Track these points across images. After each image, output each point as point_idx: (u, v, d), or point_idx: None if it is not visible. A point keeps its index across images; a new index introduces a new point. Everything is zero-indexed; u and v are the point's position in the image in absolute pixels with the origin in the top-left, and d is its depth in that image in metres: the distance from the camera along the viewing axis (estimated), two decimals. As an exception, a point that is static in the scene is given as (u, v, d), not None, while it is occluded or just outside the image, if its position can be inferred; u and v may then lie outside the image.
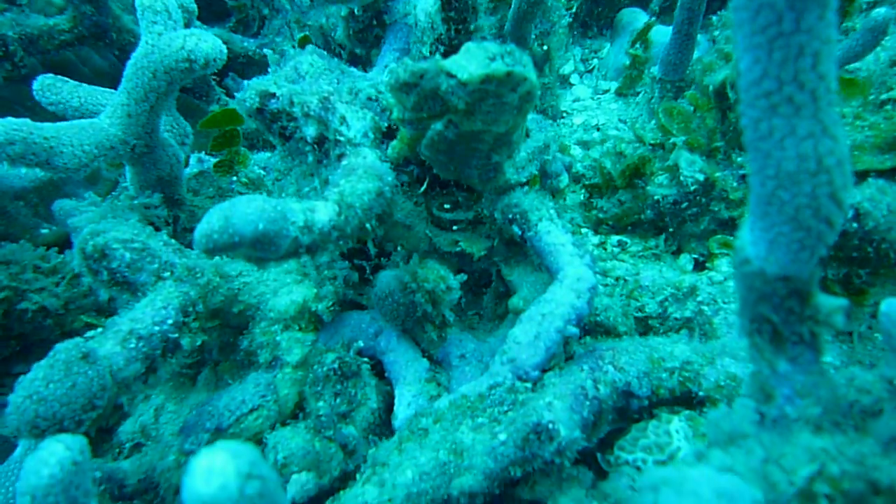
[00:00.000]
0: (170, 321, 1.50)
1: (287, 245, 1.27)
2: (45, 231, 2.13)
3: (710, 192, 1.83)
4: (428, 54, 1.64)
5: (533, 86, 1.29)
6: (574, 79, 3.07)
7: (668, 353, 1.52)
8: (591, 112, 2.82)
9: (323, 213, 1.35)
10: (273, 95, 1.60)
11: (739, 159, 1.85)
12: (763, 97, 0.77)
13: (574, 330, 1.50)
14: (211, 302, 1.61)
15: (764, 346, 0.89)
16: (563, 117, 2.80)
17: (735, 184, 1.82)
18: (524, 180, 1.84)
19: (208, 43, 1.59)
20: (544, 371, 1.51)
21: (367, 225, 1.42)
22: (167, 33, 1.61)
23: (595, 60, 3.14)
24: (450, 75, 1.20)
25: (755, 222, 0.85)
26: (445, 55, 1.68)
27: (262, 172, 2.29)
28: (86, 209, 1.69)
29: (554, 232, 1.65)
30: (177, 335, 1.48)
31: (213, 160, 2.34)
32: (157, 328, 1.46)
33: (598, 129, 2.71)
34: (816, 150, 0.75)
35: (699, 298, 1.77)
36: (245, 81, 2.47)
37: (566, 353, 1.57)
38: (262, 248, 1.23)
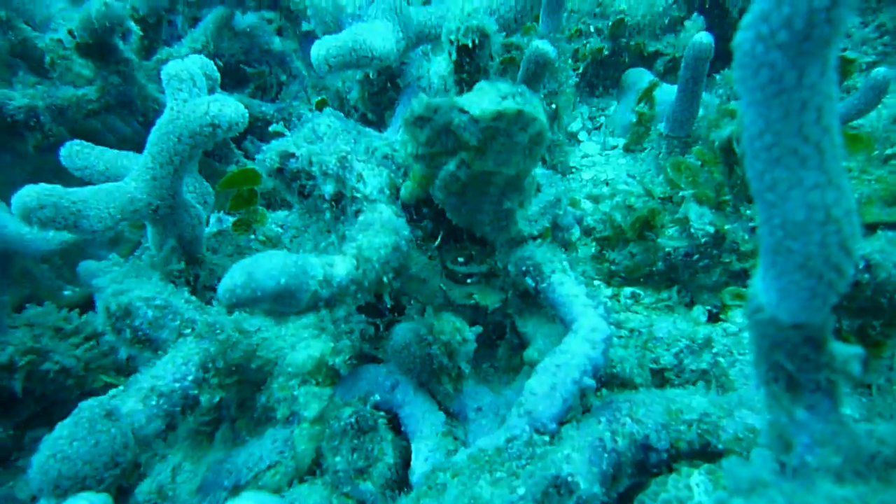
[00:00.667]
0: (190, 377, 1.52)
1: (307, 299, 1.30)
2: (68, 293, 2.18)
3: (720, 244, 1.86)
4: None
5: (542, 127, 1.33)
6: (582, 136, 3.14)
7: (686, 405, 1.51)
8: (600, 167, 2.88)
9: (341, 267, 1.38)
10: (292, 155, 1.66)
11: (748, 212, 1.88)
12: (765, 150, 0.80)
13: (590, 381, 1.50)
14: (230, 358, 1.63)
15: (781, 395, 0.90)
16: (572, 172, 2.85)
17: (745, 236, 1.84)
18: (536, 233, 1.87)
19: (231, 108, 1.67)
20: (561, 423, 1.51)
21: (384, 278, 1.46)
22: (192, 99, 1.68)
23: (602, 118, 3.22)
24: (462, 111, 1.25)
25: (766, 270, 0.87)
26: (458, 115, 1.74)
27: (280, 230, 2.34)
28: (109, 269, 1.73)
29: (567, 283, 1.67)
30: (196, 392, 1.50)
31: (232, 219, 2.40)
32: (177, 385, 1.48)
33: (608, 184, 2.76)
34: (824, 199, 0.77)
35: (714, 350, 1.77)
36: (263, 145, 2.55)
37: (583, 406, 1.57)
38: (283, 302, 1.26)
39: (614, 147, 3.02)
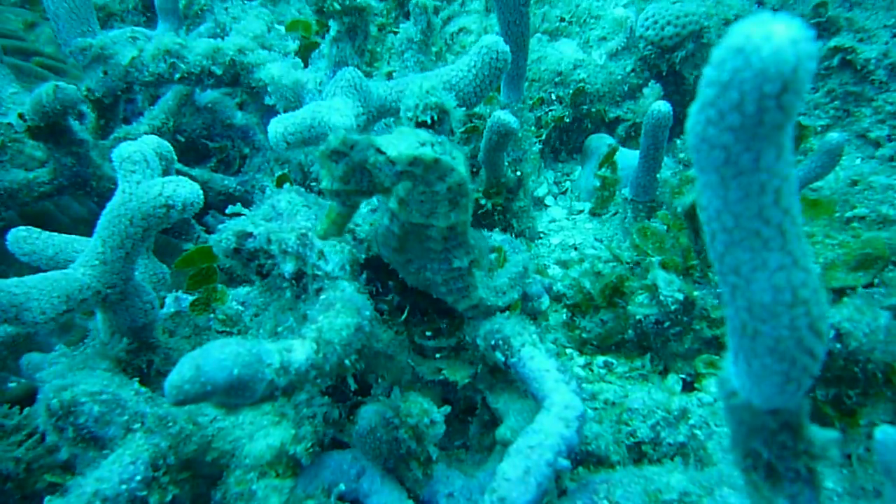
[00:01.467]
0: (138, 478, 1.41)
1: (262, 389, 1.23)
2: (12, 384, 2.06)
3: (690, 310, 1.83)
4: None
5: (461, 178, 1.31)
6: (549, 200, 3.15)
7: (665, 485, 1.45)
8: (568, 232, 2.88)
9: (300, 352, 1.32)
10: (250, 235, 1.61)
11: (717, 278, 1.86)
12: (725, 232, 0.77)
13: (565, 463, 1.43)
14: (183, 452, 1.53)
15: (760, 484, 0.84)
16: (540, 238, 2.84)
17: (715, 301, 1.82)
18: (502, 305, 1.83)
19: (186, 188, 1.62)
20: (537, 510, 1.43)
21: (346, 361, 1.39)
22: (145, 181, 1.63)
23: (567, 183, 3.24)
24: (379, 151, 1.23)
25: (737, 354, 0.83)
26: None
27: (241, 308, 2.26)
28: (56, 361, 1.64)
29: (537, 357, 1.62)
30: (145, 493, 1.39)
31: (190, 298, 2.32)
32: (123, 487, 1.38)
33: (576, 249, 2.74)
34: (790, 281, 0.74)
35: (691, 422, 1.72)
36: (224, 220, 2.49)
37: (558, 488, 1.50)
38: (236, 394, 1.19)
39: (580, 211, 3.03)
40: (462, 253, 1.55)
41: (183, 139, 3.18)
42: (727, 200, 0.75)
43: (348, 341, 1.39)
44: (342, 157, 1.23)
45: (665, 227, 2.19)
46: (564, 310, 2.34)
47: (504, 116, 2.20)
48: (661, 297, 1.83)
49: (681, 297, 1.82)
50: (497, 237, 2.20)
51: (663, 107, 2.29)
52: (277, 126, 1.81)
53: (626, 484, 1.46)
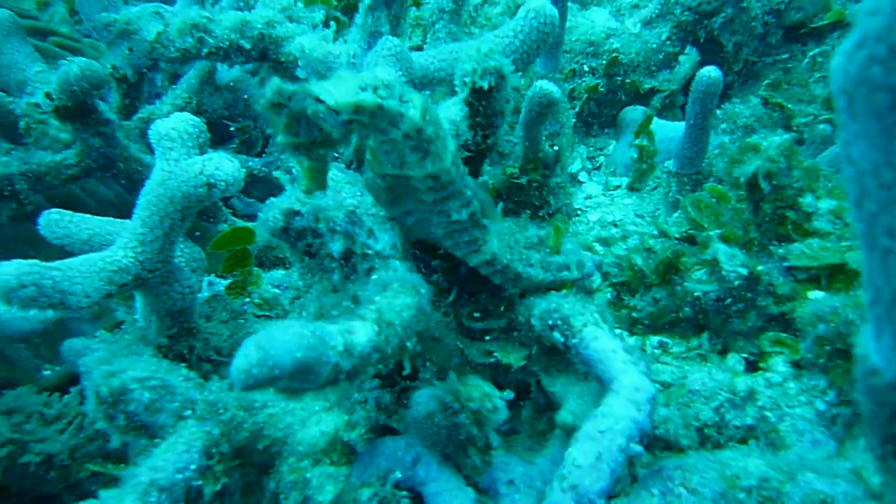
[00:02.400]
0: (192, 466, 1.35)
1: (327, 373, 1.15)
2: (47, 372, 1.99)
3: (755, 286, 1.75)
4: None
5: (414, 123, 1.20)
6: (583, 176, 3.06)
7: (742, 470, 1.37)
8: (606, 208, 2.79)
9: (362, 333, 1.24)
10: (297, 213, 1.53)
11: (780, 251, 1.77)
12: (883, 189, 0.69)
13: (639, 448, 1.36)
14: (235, 440, 1.46)
15: (909, 472, 0.76)
16: (577, 215, 2.75)
17: (781, 277, 1.73)
18: (552, 278, 1.75)
19: (228, 166, 1.54)
20: (610, 497, 1.36)
21: (408, 343, 1.32)
22: (183, 160, 1.55)
23: (601, 158, 3.14)
24: (318, 100, 1.12)
25: (881, 327, 0.75)
26: (471, 160, 1.63)
27: (277, 291, 2.19)
28: (97, 347, 1.57)
29: (602, 338, 1.54)
30: (201, 482, 1.33)
31: (224, 282, 2.25)
32: (179, 476, 1.31)
33: (616, 226, 2.66)
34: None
35: (759, 403, 1.64)
36: (252, 201, 2.39)
37: (630, 475, 1.43)
38: (302, 378, 1.12)
39: (617, 187, 2.94)
40: (457, 205, 1.43)
41: (204, 119, 3.09)
42: (889, 152, 0.66)
43: (409, 322, 1.32)
44: (282, 110, 1.13)
45: (714, 199, 2.09)
46: (609, 289, 2.26)
47: (547, 86, 2.10)
48: (724, 273, 1.75)
49: (745, 271, 1.73)
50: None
51: (713, 72, 2.19)
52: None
53: (702, 470, 1.38)
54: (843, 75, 0.67)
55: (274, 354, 1.04)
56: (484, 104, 1.46)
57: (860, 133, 0.68)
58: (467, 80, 1.41)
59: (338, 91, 1.15)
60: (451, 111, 1.57)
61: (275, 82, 1.13)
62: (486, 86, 1.40)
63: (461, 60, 1.41)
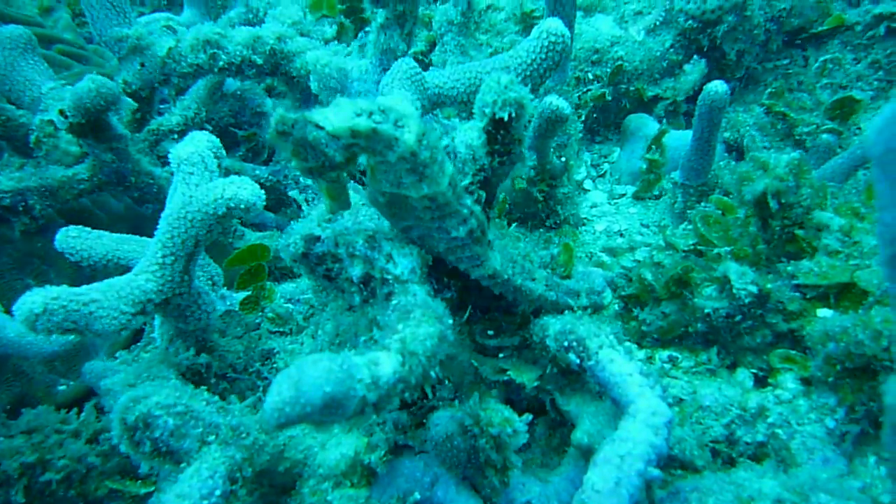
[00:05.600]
0: (217, 492, 1.37)
1: (354, 406, 1.17)
2: (62, 387, 2.01)
3: (764, 303, 1.77)
4: (469, 185, 1.60)
5: (408, 147, 1.24)
6: (587, 184, 3.08)
7: (757, 491, 1.41)
8: (611, 217, 2.81)
9: (387, 365, 1.26)
10: (318, 239, 1.55)
11: (789, 268, 1.80)
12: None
13: (656, 472, 1.39)
14: (257, 463, 1.49)
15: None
16: (583, 224, 2.77)
17: (790, 294, 1.76)
18: (554, 298, 1.78)
19: (247, 190, 1.56)
20: (629, 520, 1.39)
21: (432, 373, 1.34)
22: (204, 184, 1.57)
23: (605, 165, 3.16)
24: (318, 126, 1.18)
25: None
26: (486, 182, 1.65)
27: (290, 307, 2.21)
28: (118, 369, 1.58)
29: (617, 360, 1.57)
30: (226, 508, 1.35)
31: (237, 296, 2.27)
32: (205, 503, 1.33)
33: (622, 235, 2.68)
34: None
35: (770, 420, 1.67)
36: (267, 213, 2.40)
37: (648, 499, 1.45)
38: (331, 412, 1.14)
39: (622, 195, 2.96)
40: (455, 223, 1.46)
41: (210, 127, 3.09)
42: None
43: (433, 352, 1.34)
44: (288, 137, 1.19)
45: (720, 211, 2.12)
46: (617, 300, 2.28)
47: (557, 102, 2.11)
48: (735, 291, 1.77)
49: (755, 289, 1.76)
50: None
51: (720, 87, 2.21)
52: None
53: (717, 491, 1.41)
54: (882, 142, 0.69)
55: (305, 391, 1.06)
56: (503, 133, 1.48)
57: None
58: (487, 110, 1.42)
59: (335, 117, 1.20)
60: (470, 135, 1.58)
61: (278, 112, 1.18)
62: (505, 117, 1.41)
63: (482, 92, 1.42)
